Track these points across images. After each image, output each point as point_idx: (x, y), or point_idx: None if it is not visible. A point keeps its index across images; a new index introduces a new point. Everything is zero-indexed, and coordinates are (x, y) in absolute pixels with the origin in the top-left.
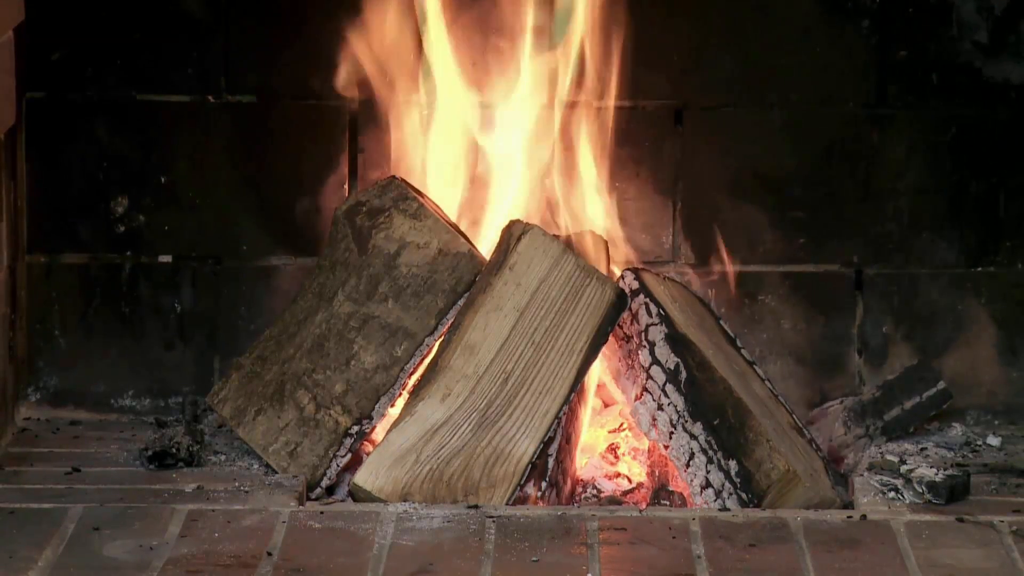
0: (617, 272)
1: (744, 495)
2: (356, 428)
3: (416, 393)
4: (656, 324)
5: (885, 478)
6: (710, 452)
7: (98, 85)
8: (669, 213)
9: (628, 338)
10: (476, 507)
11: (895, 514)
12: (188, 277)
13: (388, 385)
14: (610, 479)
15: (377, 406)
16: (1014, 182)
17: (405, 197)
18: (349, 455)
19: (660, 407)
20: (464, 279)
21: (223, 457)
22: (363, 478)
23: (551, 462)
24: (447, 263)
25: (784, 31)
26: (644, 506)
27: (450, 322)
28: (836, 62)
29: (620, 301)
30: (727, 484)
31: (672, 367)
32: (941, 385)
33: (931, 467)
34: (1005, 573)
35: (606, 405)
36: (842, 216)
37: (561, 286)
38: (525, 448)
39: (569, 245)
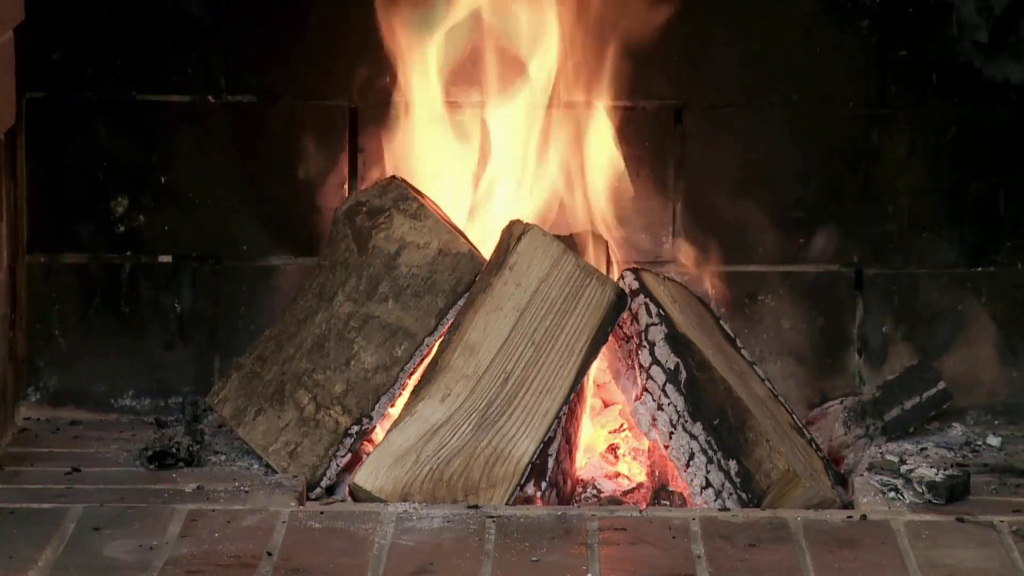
0: (617, 272)
1: (744, 495)
2: (356, 428)
3: (416, 393)
4: (656, 324)
5: (885, 478)
6: (710, 452)
7: (98, 85)
8: (669, 213)
9: (628, 338)
10: (476, 507)
11: (895, 514)
12: (188, 277)
13: (388, 385)
14: (610, 479)
15: (377, 406)
16: (1014, 182)
17: (405, 197)
18: (349, 455)
19: (660, 407)
20: (464, 279)
21: (223, 457)
22: (363, 478)
23: (551, 462)
24: (447, 263)
25: (785, 31)
26: (644, 506)
27: (450, 322)
28: (836, 62)
29: (620, 301)
30: (727, 484)
31: (672, 367)
32: (941, 385)
33: (931, 467)
34: (1005, 573)
35: (606, 405)
36: (842, 216)
37: (561, 286)
38: (525, 448)
39: (569, 245)
